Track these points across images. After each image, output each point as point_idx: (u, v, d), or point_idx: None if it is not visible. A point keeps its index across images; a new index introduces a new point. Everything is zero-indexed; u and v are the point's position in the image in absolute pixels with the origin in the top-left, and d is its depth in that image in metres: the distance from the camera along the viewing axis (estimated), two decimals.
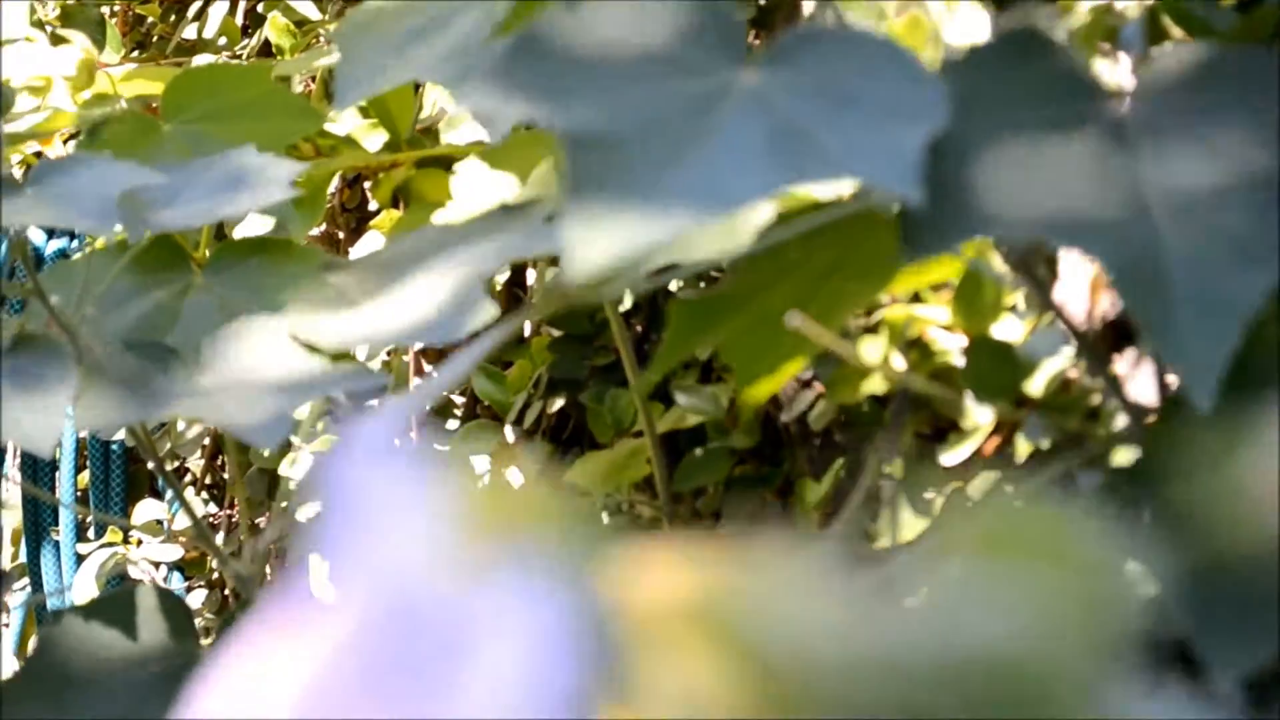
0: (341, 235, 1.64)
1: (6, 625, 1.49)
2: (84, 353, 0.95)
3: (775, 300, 0.80)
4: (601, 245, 0.62)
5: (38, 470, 1.66)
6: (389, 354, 1.36)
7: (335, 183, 1.56)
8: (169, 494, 1.68)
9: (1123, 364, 0.91)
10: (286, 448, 1.46)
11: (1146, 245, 0.64)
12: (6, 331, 0.98)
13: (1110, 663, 0.22)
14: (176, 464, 1.76)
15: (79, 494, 1.65)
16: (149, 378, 0.93)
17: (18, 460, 1.63)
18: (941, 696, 0.22)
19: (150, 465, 1.76)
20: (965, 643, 0.22)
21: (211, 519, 1.76)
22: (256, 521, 1.58)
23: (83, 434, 1.65)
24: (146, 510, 1.67)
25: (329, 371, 0.91)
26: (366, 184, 1.58)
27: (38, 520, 1.58)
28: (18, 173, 1.05)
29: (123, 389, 0.92)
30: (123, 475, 1.77)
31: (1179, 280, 0.64)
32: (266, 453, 1.63)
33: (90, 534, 1.66)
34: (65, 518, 1.50)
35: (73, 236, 1.30)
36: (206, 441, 1.78)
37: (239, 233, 1.28)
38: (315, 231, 1.62)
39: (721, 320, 0.81)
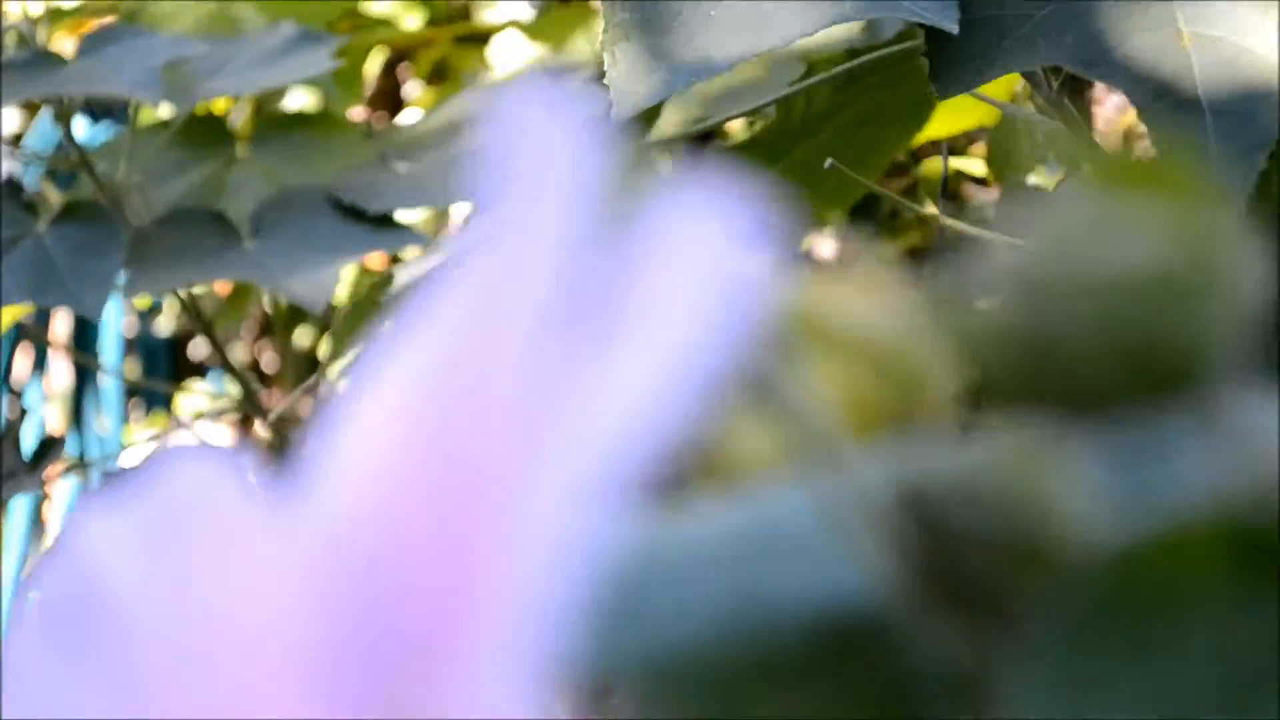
0: (379, 123, 1.65)
1: (49, 496, 1.51)
2: (132, 221, 0.97)
3: (811, 149, 0.81)
4: (645, 81, 0.63)
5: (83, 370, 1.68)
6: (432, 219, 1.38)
7: (373, 69, 1.57)
8: (213, 379, 1.70)
9: None
10: (325, 330, 1.48)
11: (1179, 78, 0.65)
12: (56, 203, 1.00)
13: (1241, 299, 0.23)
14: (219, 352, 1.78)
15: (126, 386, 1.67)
16: (197, 244, 0.94)
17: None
18: (1085, 322, 0.22)
19: (194, 344, 1.78)
20: (1104, 263, 0.23)
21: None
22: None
23: (129, 333, 1.67)
24: (191, 400, 1.69)
25: (372, 234, 0.93)
26: (402, 71, 1.59)
27: (81, 408, 1.61)
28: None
29: (171, 255, 0.94)
30: (168, 368, 1.79)
31: (1210, 114, 0.65)
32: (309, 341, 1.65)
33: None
34: (112, 394, 1.52)
35: (118, 120, 1.31)
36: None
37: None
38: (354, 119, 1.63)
39: (758, 170, 0.82)
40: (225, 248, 0.94)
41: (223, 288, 1.43)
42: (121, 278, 0.94)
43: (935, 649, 0.27)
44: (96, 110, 1.23)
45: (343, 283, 0.94)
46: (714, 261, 0.19)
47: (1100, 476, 0.26)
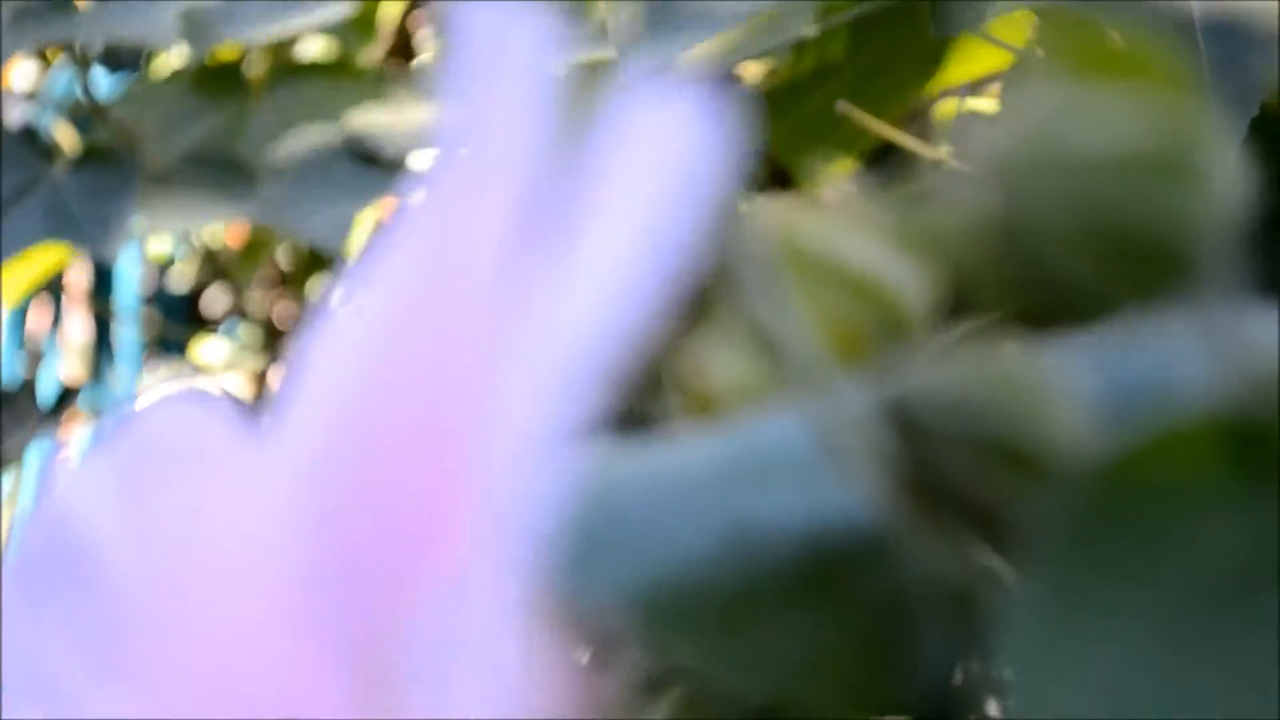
0: (394, 70, 1.64)
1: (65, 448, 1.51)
2: (147, 166, 0.97)
3: (826, 95, 0.81)
4: (650, 37, 0.63)
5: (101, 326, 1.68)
6: None
7: (390, 15, 1.56)
8: (228, 330, 1.70)
9: None
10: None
11: (1177, 15, 0.65)
12: (72, 149, 1.00)
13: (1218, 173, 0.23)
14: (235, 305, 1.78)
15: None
16: (211, 187, 0.94)
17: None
18: (1065, 202, 0.22)
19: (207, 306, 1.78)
20: (1082, 143, 0.22)
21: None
22: None
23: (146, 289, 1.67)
24: (208, 351, 1.69)
25: (387, 179, 0.93)
26: (416, 18, 1.59)
27: (99, 361, 1.61)
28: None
29: (185, 197, 0.94)
30: (184, 322, 1.79)
31: (1208, 51, 0.65)
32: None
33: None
34: (129, 346, 1.52)
35: (134, 70, 1.31)
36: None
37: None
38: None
39: (774, 117, 0.82)
40: (239, 191, 0.94)
41: (236, 240, 1.43)
42: (137, 225, 0.95)
43: (928, 567, 0.26)
44: (113, 61, 1.23)
45: (358, 227, 0.94)
46: (672, 163, 0.19)
47: (1088, 380, 0.26)
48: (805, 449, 0.27)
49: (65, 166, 0.96)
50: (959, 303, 0.25)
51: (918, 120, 1.01)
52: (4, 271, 1.05)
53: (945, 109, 0.99)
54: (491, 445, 0.19)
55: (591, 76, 0.22)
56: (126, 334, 1.43)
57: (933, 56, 0.79)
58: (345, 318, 0.25)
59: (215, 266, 1.09)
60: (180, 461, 0.26)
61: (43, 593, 0.27)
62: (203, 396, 0.27)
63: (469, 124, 0.22)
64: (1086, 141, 0.22)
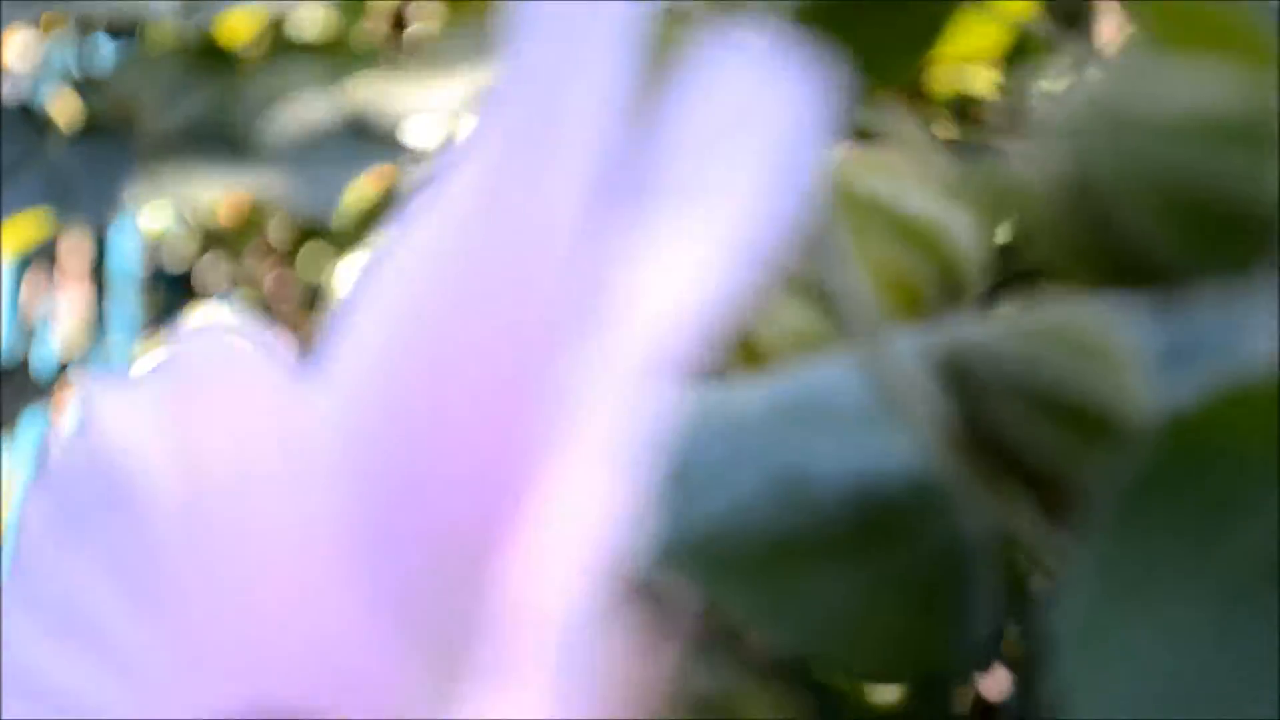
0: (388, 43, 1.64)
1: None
2: (144, 136, 0.97)
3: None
4: None
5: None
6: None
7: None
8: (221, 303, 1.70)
9: None
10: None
11: None
12: (69, 120, 1.00)
13: None
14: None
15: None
16: (205, 158, 0.94)
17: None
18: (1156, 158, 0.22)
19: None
20: (1163, 105, 0.22)
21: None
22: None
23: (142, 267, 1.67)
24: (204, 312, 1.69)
25: (380, 149, 0.93)
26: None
27: (96, 334, 1.61)
28: None
29: (182, 169, 0.94)
30: (179, 299, 1.78)
31: None
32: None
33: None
34: (125, 320, 1.51)
35: (130, 39, 1.31)
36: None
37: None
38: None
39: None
40: (235, 163, 0.94)
41: (231, 214, 1.43)
42: (134, 196, 0.94)
43: (978, 523, 0.26)
44: (112, 31, 1.23)
45: (351, 196, 0.95)
46: (764, 125, 0.18)
47: (1154, 343, 0.26)
48: (857, 398, 0.27)
49: (62, 138, 0.95)
50: (1023, 263, 0.25)
51: (915, 98, 1.01)
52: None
53: (944, 81, 0.99)
54: (569, 403, 0.18)
55: (674, 22, 0.21)
56: (122, 308, 1.43)
57: (930, 27, 0.79)
58: (405, 256, 0.24)
59: (210, 241, 1.09)
60: (224, 391, 0.25)
61: (77, 521, 0.26)
62: (247, 329, 0.26)
63: (544, 66, 0.21)
64: (1168, 105, 0.22)
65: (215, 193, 1.13)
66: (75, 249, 1.37)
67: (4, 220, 0.97)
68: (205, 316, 0.30)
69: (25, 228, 1.10)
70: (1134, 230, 0.22)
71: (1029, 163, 0.23)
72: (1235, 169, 0.22)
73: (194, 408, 0.25)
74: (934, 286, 0.29)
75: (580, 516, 0.17)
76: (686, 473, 0.27)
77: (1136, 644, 0.21)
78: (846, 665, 0.26)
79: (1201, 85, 0.22)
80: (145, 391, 0.26)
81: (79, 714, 0.25)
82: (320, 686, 0.23)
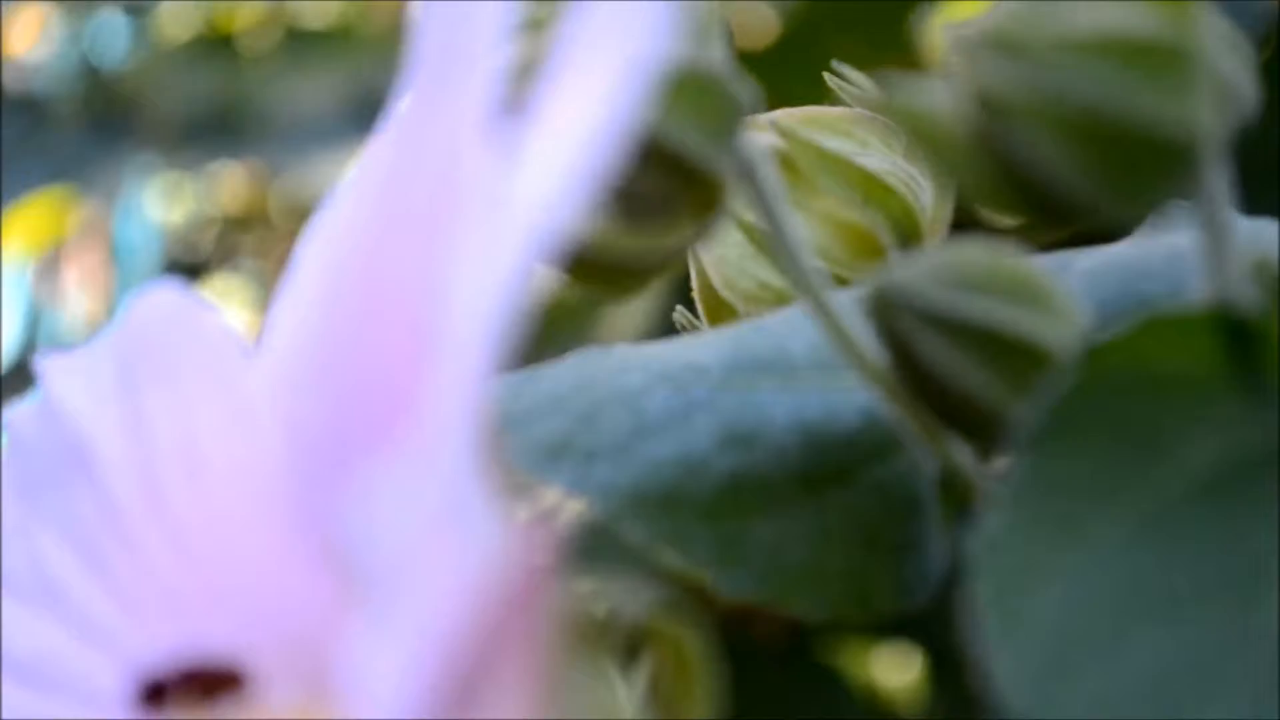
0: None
1: None
2: (152, 117, 0.98)
3: (827, 49, 0.81)
4: None
5: None
6: None
7: None
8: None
9: None
10: None
11: None
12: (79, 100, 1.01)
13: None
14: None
15: None
16: (211, 137, 0.95)
17: None
18: None
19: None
20: (1082, 24, 0.21)
21: None
22: None
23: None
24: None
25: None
26: None
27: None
28: None
29: (188, 150, 0.95)
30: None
31: None
32: None
33: None
34: None
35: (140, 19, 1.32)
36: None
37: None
38: None
39: (770, 73, 0.82)
40: (240, 143, 0.95)
41: (237, 200, 1.44)
42: (140, 176, 0.96)
43: (924, 465, 0.27)
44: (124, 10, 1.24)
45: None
46: (628, 44, 0.18)
47: (1083, 282, 0.26)
48: (808, 347, 0.27)
49: (72, 119, 0.96)
50: (966, 215, 0.25)
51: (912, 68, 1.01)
52: (11, 231, 1.06)
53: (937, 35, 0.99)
54: (451, 327, 0.19)
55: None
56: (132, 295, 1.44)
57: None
58: (325, 226, 0.25)
59: (217, 224, 1.10)
60: (173, 355, 0.26)
61: (37, 486, 0.26)
62: (195, 297, 0.27)
63: (442, 43, 0.22)
64: (1073, 25, 0.22)
65: (222, 174, 1.14)
66: (86, 242, 1.38)
67: (13, 204, 0.98)
68: (150, 294, 0.31)
69: (38, 221, 1.11)
70: (1041, 161, 0.22)
71: (941, 94, 0.23)
72: (1144, 93, 0.22)
73: (141, 374, 0.26)
74: (891, 238, 0.30)
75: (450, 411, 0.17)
76: (640, 421, 0.27)
77: (1057, 564, 0.21)
78: (800, 608, 0.26)
79: (1113, 7, 0.22)
80: (96, 362, 0.27)
81: (46, 673, 0.25)
82: (257, 630, 0.24)
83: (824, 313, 0.25)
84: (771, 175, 0.25)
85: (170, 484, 0.26)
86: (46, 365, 0.27)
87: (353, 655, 0.18)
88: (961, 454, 0.26)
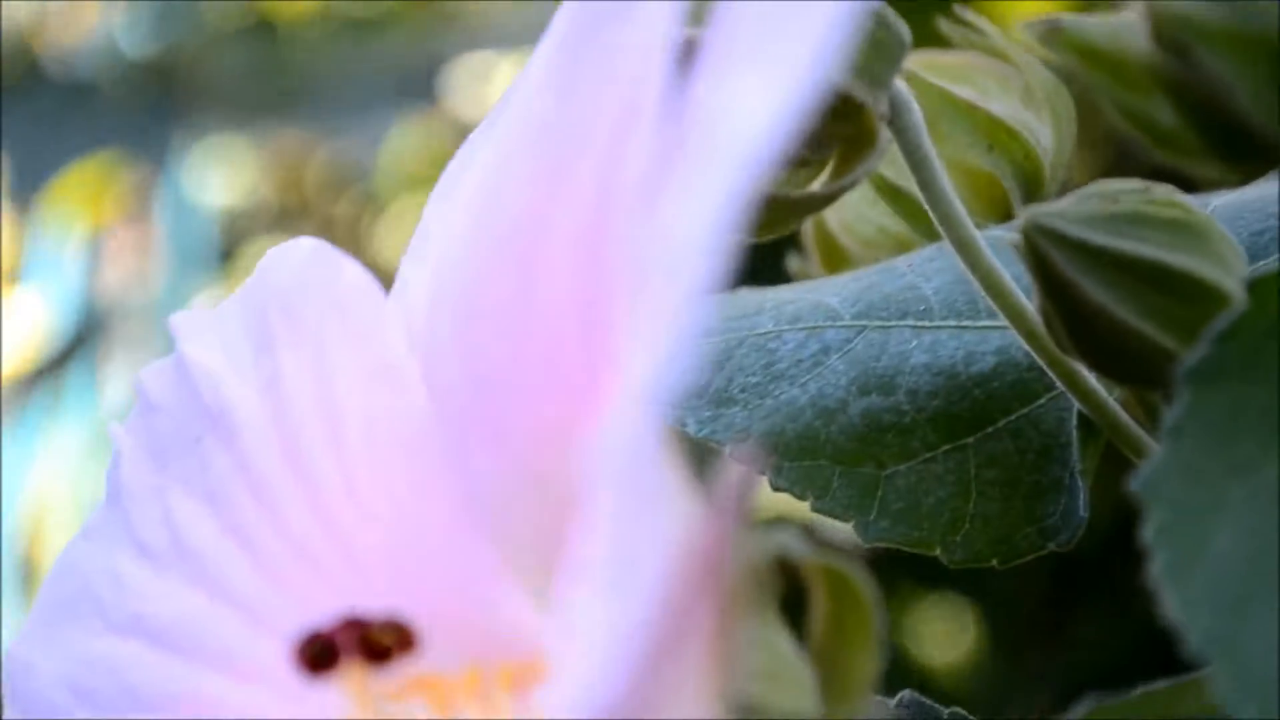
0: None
1: None
2: (197, 88, 0.98)
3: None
4: None
5: None
6: None
7: None
8: None
9: None
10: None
11: None
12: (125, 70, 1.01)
13: None
14: None
15: None
16: (257, 109, 0.96)
17: None
18: None
19: None
20: None
21: None
22: None
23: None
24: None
25: (423, 101, 0.95)
26: None
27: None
28: None
29: (233, 119, 0.95)
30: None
31: None
32: None
33: None
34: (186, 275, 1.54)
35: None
36: None
37: None
38: None
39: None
40: (282, 113, 0.95)
41: (277, 176, 1.44)
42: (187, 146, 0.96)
43: (1067, 405, 0.26)
44: None
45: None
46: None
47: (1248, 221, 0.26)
48: (944, 292, 0.27)
49: (120, 94, 0.97)
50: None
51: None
52: (61, 205, 1.06)
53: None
54: (661, 257, 0.18)
55: None
56: (183, 266, 1.44)
57: None
58: (473, 167, 0.24)
59: (261, 198, 1.10)
60: (310, 310, 0.25)
61: (171, 449, 0.26)
62: (329, 249, 0.26)
63: None
64: None
65: (269, 146, 1.15)
66: (135, 217, 1.38)
67: (60, 177, 0.98)
68: (280, 247, 0.29)
69: (88, 195, 1.11)
70: (1227, 90, 0.21)
71: (1113, 27, 0.22)
72: None
73: (278, 332, 0.25)
74: (1015, 185, 0.29)
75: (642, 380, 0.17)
76: (773, 365, 0.27)
77: (1227, 500, 0.21)
78: (940, 553, 0.26)
79: None
80: (230, 320, 0.26)
81: (185, 638, 0.25)
82: (410, 593, 0.23)
83: (970, 251, 0.25)
84: (919, 115, 0.25)
85: (311, 444, 0.25)
86: (178, 324, 0.26)
87: (566, 615, 0.17)
88: (1104, 395, 0.26)
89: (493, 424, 0.23)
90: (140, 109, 0.96)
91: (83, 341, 1.17)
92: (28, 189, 1.08)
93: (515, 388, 0.23)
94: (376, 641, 0.23)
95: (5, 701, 0.26)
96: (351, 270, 0.25)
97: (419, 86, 0.98)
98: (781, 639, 0.21)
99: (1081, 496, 0.26)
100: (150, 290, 1.46)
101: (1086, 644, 0.94)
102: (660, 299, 0.16)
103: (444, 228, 0.25)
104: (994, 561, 0.26)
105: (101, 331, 1.12)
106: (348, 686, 0.23)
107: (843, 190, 0.24)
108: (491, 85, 1.25)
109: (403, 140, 1.28)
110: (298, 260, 0.26)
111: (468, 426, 0.24)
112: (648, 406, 0.16)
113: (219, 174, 1.50)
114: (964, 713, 0.26)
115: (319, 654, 0.23)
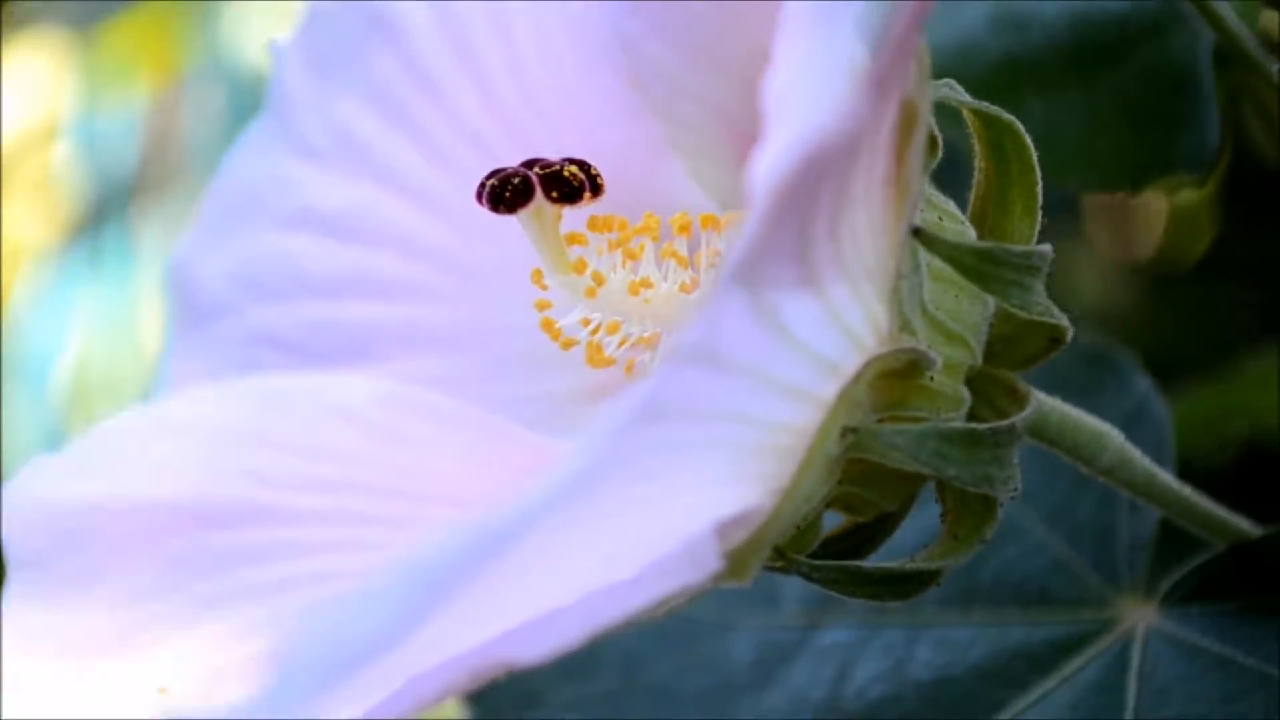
0: None
1: None
2: None
3: None
4: None
5: None
6: None
7: None
8: None
9: None
10: None
11: None
12: None
13: None
14: None
15: None
16: None
17: None
18: None
19: None
20: None
21: None
22: None
23: None
24: None
25: None
26: None
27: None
28: None
29: None
30: None
31: None
32: None
33: None
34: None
35: None
36: None
37: None
38: None
39: None
40: None
41: None
42: None
43: (1201, 39, 0.27)
44: None
45: None
46: None
47: None
48: None
49: None
50: None
51: None
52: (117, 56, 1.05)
53: None
54: None
55: None
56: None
57: None
58: None
59: None
60: None
61: (335, 59, 0.26)
62: None
63: None
64: None
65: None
66: (196, 76, 1.38)
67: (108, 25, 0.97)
68: None
69: (147, 50, 1.11)
70: None
71: None
72: None
73: None
74: None
75: None
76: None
77: None
78: (1074, 183, 0.27)
79: None
80: None
81: (352, 224, 0.26)
82: (586, 156, 0.24)
83: None
84: None
85: (477, 34, 0.26)
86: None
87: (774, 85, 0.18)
88: (1240, 25, 0.26)
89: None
90: None
91: (123, 200, 1.17)
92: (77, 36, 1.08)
93: None
94: (570, 176, 0.24)
95: (170, 306, 0.26)
96: None
97: None
98: (942, 197, 0.22)
99: (1215, 127, 0.27)
100: (190, 151, 1.46)
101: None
102: None
103: None
104: (1127, 188, 0.27)
105: (140, 191, 1.11)
106: (537, 220, 0.24)
107: None
108: None
109: None
110: None
111: (637, 10, 0.24)
112: None
113: (265, 32, 1.49)
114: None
115: (515, 190, 0.24)
